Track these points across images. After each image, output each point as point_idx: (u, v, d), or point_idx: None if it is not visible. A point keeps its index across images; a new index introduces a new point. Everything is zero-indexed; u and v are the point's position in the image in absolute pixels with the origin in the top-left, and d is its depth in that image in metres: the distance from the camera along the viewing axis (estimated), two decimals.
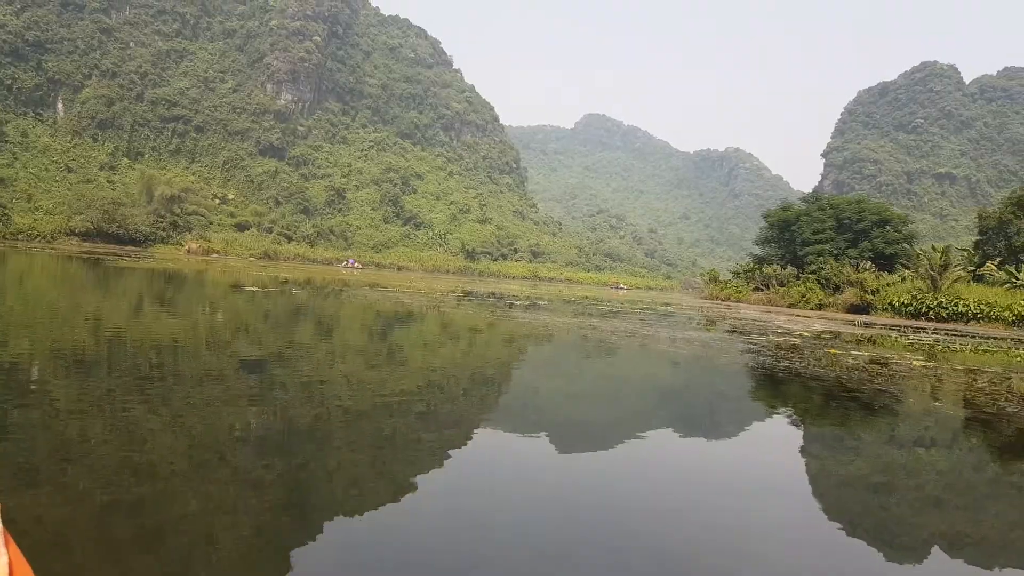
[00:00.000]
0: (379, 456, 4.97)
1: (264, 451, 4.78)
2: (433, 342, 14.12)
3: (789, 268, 61.62)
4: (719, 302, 61.26)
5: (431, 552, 3.44)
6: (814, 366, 12.70)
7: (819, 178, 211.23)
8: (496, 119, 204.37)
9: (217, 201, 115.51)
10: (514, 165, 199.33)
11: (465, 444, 5.58)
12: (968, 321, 39.15)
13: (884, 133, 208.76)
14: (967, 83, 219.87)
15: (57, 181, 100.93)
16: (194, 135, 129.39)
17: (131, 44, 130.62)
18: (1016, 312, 37.67)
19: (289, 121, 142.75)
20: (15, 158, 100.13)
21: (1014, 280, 44.69)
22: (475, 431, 6.07)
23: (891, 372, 12.52)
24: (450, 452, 5.25)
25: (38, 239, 78.40)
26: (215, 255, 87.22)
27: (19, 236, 77.26)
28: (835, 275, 52.18)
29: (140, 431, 4.88)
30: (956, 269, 45.80)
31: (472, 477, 4.77)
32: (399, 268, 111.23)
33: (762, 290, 62.29)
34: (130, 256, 55.37)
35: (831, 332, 24.52)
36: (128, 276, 27.89)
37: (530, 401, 8.32)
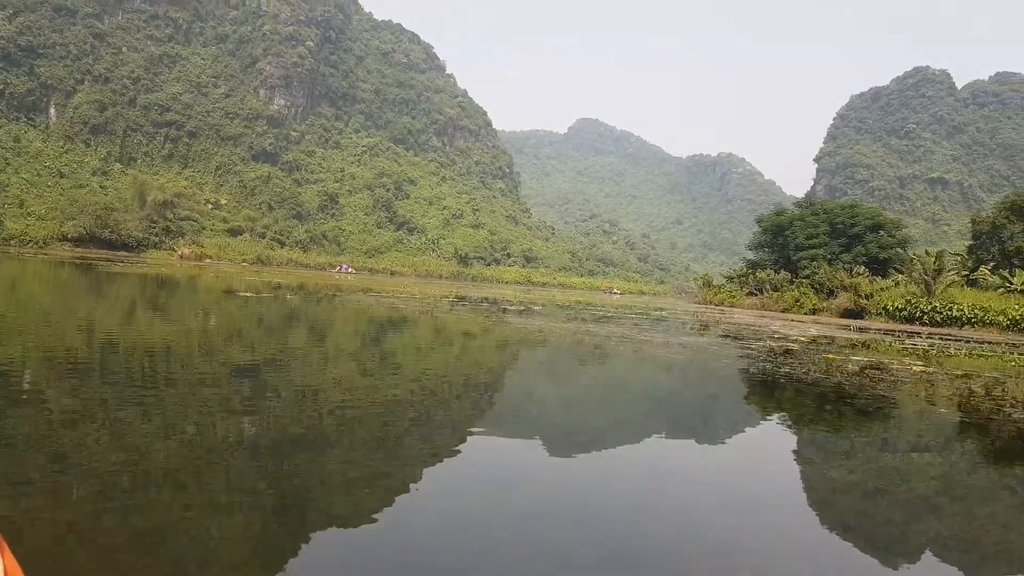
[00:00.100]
0: (375, 460, 4.96)
1: (259, 456, 4.76)
2: (428, 347, 14.12)
3: (783, 273, 61.75)
4: (713, 307, 61.52)
5: (428, 554, 3.44)
6: (814, 372, 12.71)
7: (812, 183, 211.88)
8: (489, 124, 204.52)
9: (210, 206, 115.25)
10: (507, 170, 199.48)
11: (461, 449, 5.55)
12: (962, 326, 39.26)
13: (877, 138, 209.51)
14: (959, 88, 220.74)
15: (49, 186, 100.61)
16: (187, 140, 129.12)
17: (124, 49, 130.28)
18: (1010, 316, 37.73)
19: (282, 126, 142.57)
20: (7, 163, 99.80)
21: (1008, 284, 44.74)
22: (470, 436, 6.05)
23: (892, 378, 12.52)
24: (445, 456, 5.25)
25: (30, 244, 78.34)
26: (208, 260, 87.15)
27: (11, 242, 77.16)
28: (829, 280, 52.38)
29: (134, 437, 4.86)
30: (950, 274, 45.95)
31: (467, 481, 4.76)
32: (392, 273, 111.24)
33: (756, 295, 62.35)
34: (123, 261, 55.21)
35: (827, 337, 24.58)
36: (121, 282, 27.82)
37: (525, 406, 8.31)
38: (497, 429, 6.54)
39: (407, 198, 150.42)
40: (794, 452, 6.71)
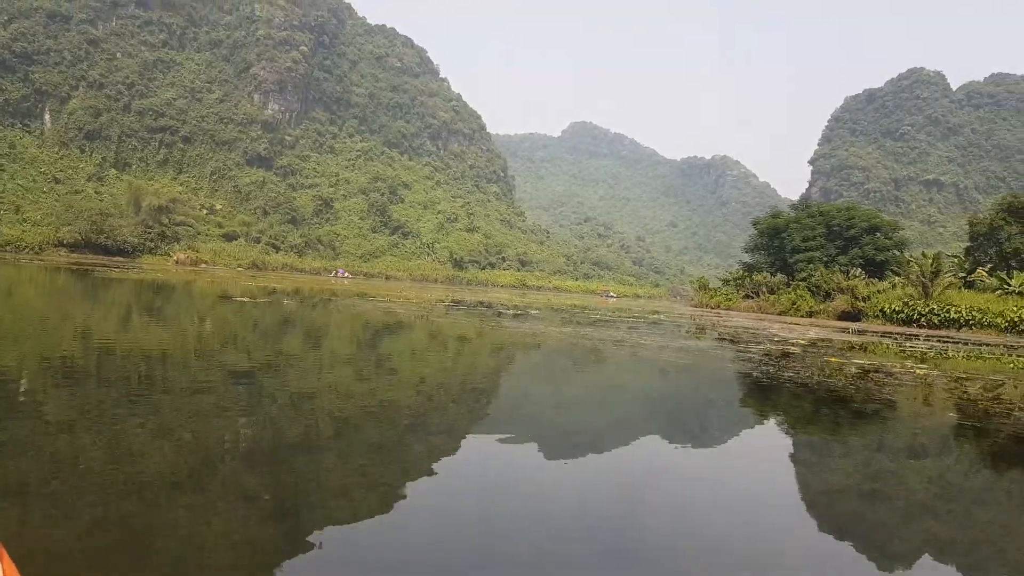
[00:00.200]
0: (373, 463, 5.05)
1: (256, 460, 4.84)
2: (424, 351, 14.26)
3: (779, 275, 61.95)
4: (709, 310, 61.65)
5: (427, 554, 3.56)
6: (818, 376, 12.74)
7: (807, 185, 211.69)
8: (483, 128, 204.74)
9: (205, 212, 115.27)
10: (501, 174, 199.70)
11: (458, 452, 5.66)
12: (960, 328, 39.39)
13: (871, 140, 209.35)
14: (954, 89, 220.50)
15: (45, 192, 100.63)
16: (181, 145, 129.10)
17: (118, 55, 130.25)
18: (1008, 318, 37.81)
19: (276, 131, 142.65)
20: (2, 169, 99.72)
21: (1005, 286, 44.86)
22: (467, 439, 6.17)
23: (897, 382, 12.50)
24: (443, 459, 5.35)
25: (26, 250, 78.27)
26: (203, 266, 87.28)
27: (7, 248, 77.09)
28: (825, 282, 52.48)
29: (131, 442, 4.91)
30: (947, 276, 46.08)
31: (465, 483, 4.87)
32: (387, 277, 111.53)
33: (752, 298, 62.49)
34: (118, 267, 55.41)
35: (826, 340, 24.67)
36: (117, 287, 27.99)
37: (522, 410, 8.38)
38: (494, 432, 6.56)
39: (402, 202, 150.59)
40: (807, 457, 6.77)
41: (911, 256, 55.08)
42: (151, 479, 4.20)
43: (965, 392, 11.80)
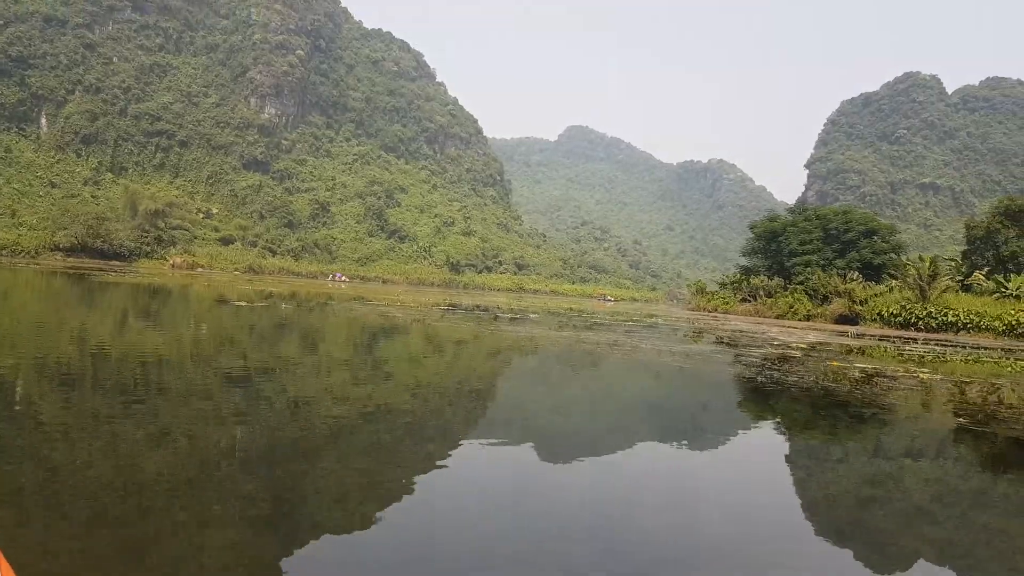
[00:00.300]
0: (370, 467, 5.05)
1: (253, 464, 4.84)
2: (422, 355, 14.24)
3: (776, 279, 61.97)
4: (706, 313, 61.58)
5: (426, 555, 3.57)
6: (822, 380, 12.71)
7: (803, 189, 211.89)
8: (479, 132, 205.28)
9: (201, 215, 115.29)
10: (498, 177, 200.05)
11: (455, 455, 5.64)
12: (958, 331, 39.41)
13: (867, 144, 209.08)
14: (950, 93, 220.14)
15: (41, 196, 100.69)
16: (178, 149, 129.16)
17: (114, 59, 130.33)
18: (1006, 321, 37.87)
19: (273, 135, 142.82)
20: None
21: (1003, 289, 44.83)
22: (464, 442, 6.17)
23: (902, 386, 12.48)
24: (440, 462, 5.35)
25: (22, 255, 78.20)
26: (200, 269, 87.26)
27: (3, 252, 77.03)
28: (823, 286, 52.42)
29: (127, 447, 4.91)
30: (944, 279, 46.04)
31: (463, 485, 4.87)
32: (384, 281, 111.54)
33: (750, 301, 62.50)
34: (115, 271, 55.33)
35: (826, 344, 24.66)
36: (114, 291, 27.98)
37: (519, 413, 8.36)
38: (493, 435, 6.55)
39: (398, 206, 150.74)
40: (821, 462, 6.67)
41: (908, 259, 55.03)
42: (149, 483, 4.19)
43: (973, 396, 11.77)
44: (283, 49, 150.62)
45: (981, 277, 49.15)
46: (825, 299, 51.80)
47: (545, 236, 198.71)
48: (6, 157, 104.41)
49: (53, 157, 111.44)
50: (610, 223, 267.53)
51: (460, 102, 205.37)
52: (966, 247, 56.61)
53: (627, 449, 6.58)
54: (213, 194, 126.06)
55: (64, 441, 4.98)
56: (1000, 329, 37.89)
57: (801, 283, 57.28)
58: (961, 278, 50.94)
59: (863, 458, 6.90)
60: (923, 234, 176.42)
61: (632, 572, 3.51)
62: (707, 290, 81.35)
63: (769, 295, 59.80)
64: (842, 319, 47.64)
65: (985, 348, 27.86)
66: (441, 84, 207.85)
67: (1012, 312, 38.63)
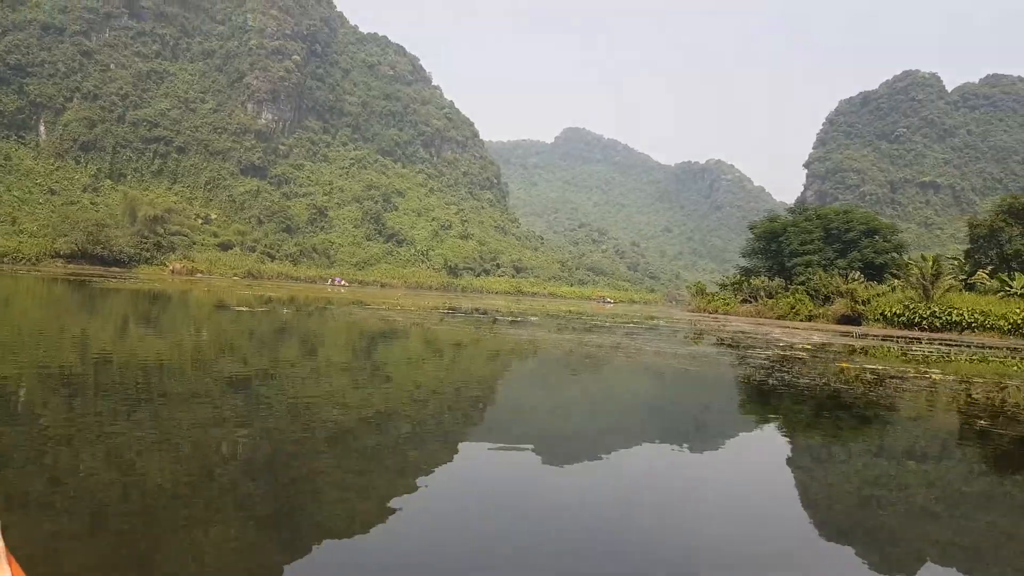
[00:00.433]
0: (370, 470, 5.09)
1: (254, 468, 4.87)
2: (421, 359, 14.25)
3: (777, 280, 61.74)
4: (706, 315, 61.24)
5: (425, 557, 3.62)
6: (834, 382, 12.63)
7: (802, 189, 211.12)
8: (476, 135, 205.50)
9: (200, 221, 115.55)
10: (495, 180, 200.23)
11: (455, 458, 5.66)
12: (962, 331, 39.33)
13: (867, 143, 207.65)
14: (949, 91, 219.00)
15: (41, 203, 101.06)
16: (176, 155, 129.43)
17: (112, 66, 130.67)
18: (1012, 320, 37.74)
19: (270, 140, 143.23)
20: None
21: (1007, 288, 44.84)
22: (464, 445, 6.16)
23: (915, 387, 12.42)
24: (440, 465, 5.38)
25: (23, 262, 78.60)
26: (199, 275, 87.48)
27: (4, 259, 77.37)
28: (824, 286, 52.20)
29: (129, 452, 4.93)
30: (947, 278, 45.87)
31: (462, 487, 4.91)
32: (382, 285, 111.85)
33: (750, 302, 62.26)
34: (115, 277, 55.59)
35: (831, 345, 24.63)
36: (114, 297, 28.07)
37: (519, 416, 8.34)
38: (493, 437, 6.55)
39: (396, 210, 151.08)
40: (844, 466, 6.57)
41: (910, 259, 54.78)
42: (151, 488, 4.24)
43: (1000, 399, 11.72)
44: (279, 54, 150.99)
45: (985, 276, 48.90)
46: (827, 299, 51.59)
47: (543, 238, 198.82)
48: (6, 165, 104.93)
49: (52, 164, 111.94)
50: (608, 225, 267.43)
51: (456, 105, 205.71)
52: (969, 246, 56.06)
53: (629, 452, 6.54)
54: (211, 200, 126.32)
55: (68, 447, 4.99)
56: (1005, 328, 37.76)
57: (802, 283, 57.04)
58: (964, 277, 50.81)
59: (909, 462, 6.76)
60: (924, 233, 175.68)
61: (632, 572, 3.55)
62: (707, 291, 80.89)
63: (770, 296, 59.50)
64: (844, 319, 47.48)
65: (991, 348, 27.76)
66: (437, 88, 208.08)
67: (1017, 311, 38.39)
